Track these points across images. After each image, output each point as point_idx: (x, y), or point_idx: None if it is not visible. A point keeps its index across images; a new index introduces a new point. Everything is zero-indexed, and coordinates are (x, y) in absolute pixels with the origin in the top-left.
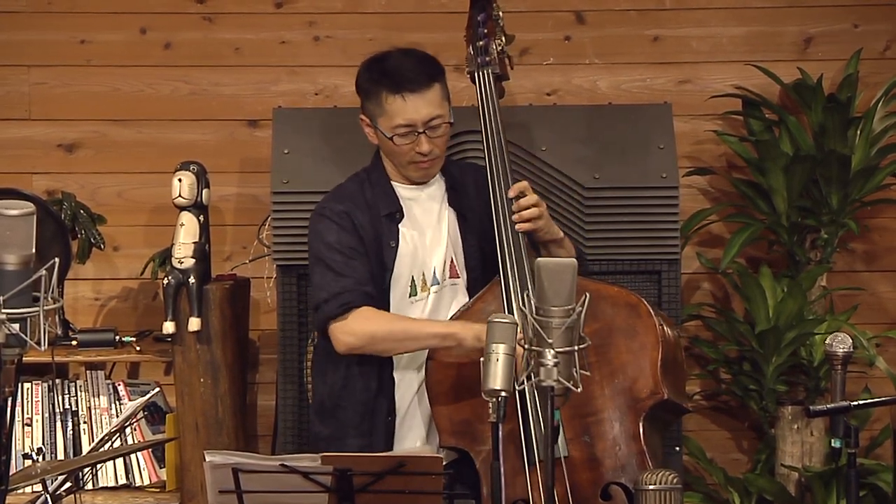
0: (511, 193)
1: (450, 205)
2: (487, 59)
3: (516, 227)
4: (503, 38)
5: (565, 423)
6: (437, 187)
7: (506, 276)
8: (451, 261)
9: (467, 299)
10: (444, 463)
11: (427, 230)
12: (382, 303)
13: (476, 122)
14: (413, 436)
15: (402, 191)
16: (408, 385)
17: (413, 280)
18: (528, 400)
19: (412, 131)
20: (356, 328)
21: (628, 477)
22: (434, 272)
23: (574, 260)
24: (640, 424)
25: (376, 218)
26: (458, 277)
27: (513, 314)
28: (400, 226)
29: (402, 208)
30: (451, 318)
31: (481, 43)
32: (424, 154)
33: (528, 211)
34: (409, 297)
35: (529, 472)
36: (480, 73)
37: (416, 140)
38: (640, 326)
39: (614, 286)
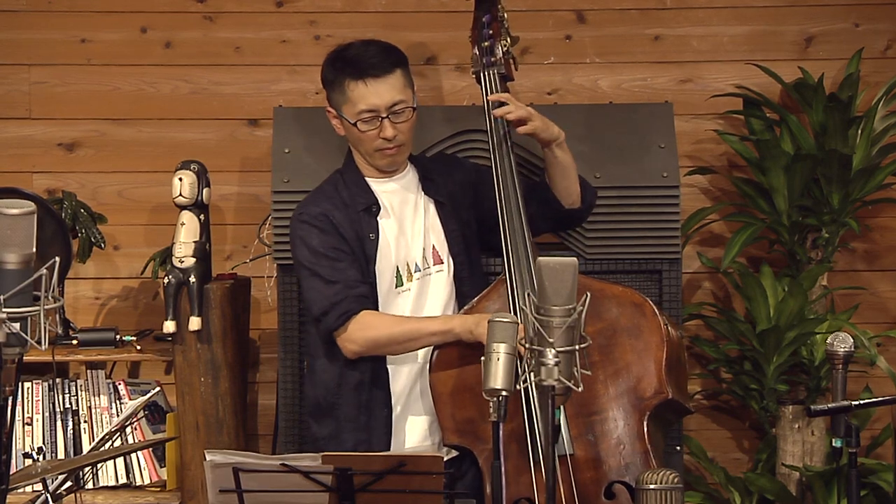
0: (493, 97)
1: (425, 193)
2: (493, 59)
3: (520, 129)
4: (508, 40)
5: (570, 421)
6: (411, 178)
7: (511, 274)
8: (433, 248)
9: (451, 286)
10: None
11: (405, 220)
12: (374, 296)
13: (478, 121)
14: (414, 427)
15: (376, 185)
16: (405, 375)
17: (398, 270)
18: (532, 398)
19: (375, 117)
20: (358, 337)
21: (632, 476)
22: (416, 261)
23: (574, 259)
24: (645, 424)
25: (354, 214)
26: (443, 263)
27: (517, 313)
28: (378, 218)
29: (377, 201)
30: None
31: (486, 44)
32: (389, 139)
33: (518, 112)
34: (396, 287)
35: (534, 471)
36: (486, 74)
37: (381, 126)
38: (645, 326)
39: (619, 285)
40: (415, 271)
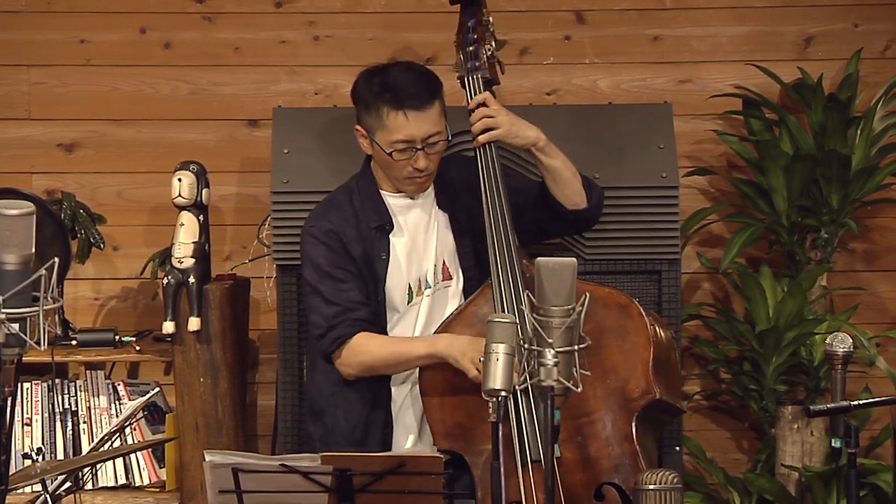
0: (471, 105)
1: (440, 208)
2: (477, 64)
3: (473, 142)
4: (493, 44)
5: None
6: (427, 193)
7: (497, 278)
8: (443, 263)
9: (460, 300)
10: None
11: (418, 237)
12: (377, 318)
13: None
14: (404, 438)
15: (392, 200)
16: (397, 391)
17: (410, 287)
18: (520, 401)
19: (411, 147)
20: (351, 361)
21: (621, 477)
22: (427, 277)
23: (574, 259)
24: (633, 425)
25: (366, 231)
26: (451, 279)
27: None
28: (391, 237)
29: (391, 219)
30: (444, 322)
31: (471, 48)
32: (421, 170)
33: (478, 123)
34: (408, 303)
35: (522, 474)
36: (469, 79)
37: (415, 156)
38: (631, 327)
39: (605, 287)
40: (425, 288)
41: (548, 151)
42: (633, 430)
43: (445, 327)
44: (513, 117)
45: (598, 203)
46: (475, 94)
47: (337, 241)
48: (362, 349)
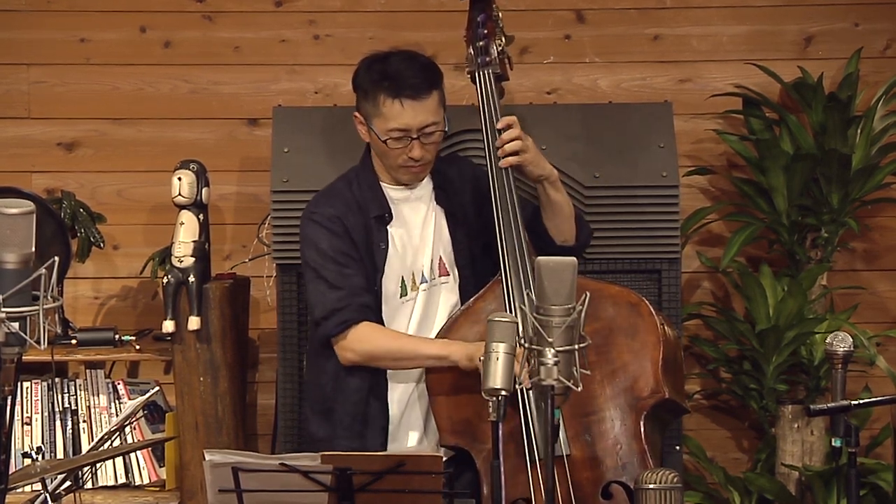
0: (500, 125)
1: (437, 203)
2: (487, 59)
3: (500, 163)
4: (503, 39)
5: (567, 421)
6: (425, 187)
7: (507, 275)
8: (440, 259)
9: (457, 297)
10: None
11: (415, 230)
12: (377, 306)
13: (476, 121)
14: (411, 435)
15: (391, 192)
16: (403, 388)
17: (403, 280)
18: (528, 398)
19: (406, 136)
20: (355, 347)
21: (629, 476)
22: (423, 271)
23: (574, 259)
24: (642, 423)
25: (366, 219)
26: (448, 275)
27: (514, 313)
28: (389, 227)
29: (391, 210)
30: (450, 317)
31: (481, 43)
32: (416, 159)
33: (510, 144)
34: (400, 297)
35: (531, 471)
36: (480, 74)
37: (410, 145)
38: (642, 326)
39: (615, 285)
40: (421, 282)
41: (557, 186)
42: (642, 429)
43: (453, 323)
44: (536, 148)
45: (585, 242)
46: (486, 89)
47: (340, 226)
48: (369, 338)
